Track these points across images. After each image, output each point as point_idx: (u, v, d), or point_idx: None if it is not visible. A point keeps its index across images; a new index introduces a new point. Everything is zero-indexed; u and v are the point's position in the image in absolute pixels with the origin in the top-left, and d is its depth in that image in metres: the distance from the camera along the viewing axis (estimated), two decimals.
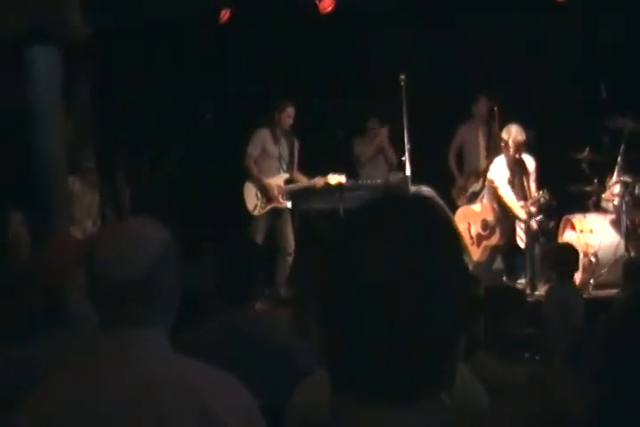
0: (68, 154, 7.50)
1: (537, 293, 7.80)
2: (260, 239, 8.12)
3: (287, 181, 8.54)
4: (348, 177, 8.56)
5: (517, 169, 8.02)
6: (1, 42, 6.64)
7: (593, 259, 7.80)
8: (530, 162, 8.07)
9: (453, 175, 9.05)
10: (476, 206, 8.45)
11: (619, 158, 7.89)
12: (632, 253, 7.79)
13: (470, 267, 7.73)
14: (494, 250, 8.24)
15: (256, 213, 8.45)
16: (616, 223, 7.87)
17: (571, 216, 8.08)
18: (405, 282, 1.40)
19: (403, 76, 8.18)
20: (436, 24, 9.03)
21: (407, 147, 8.08)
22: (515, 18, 9.05)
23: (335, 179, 8.37)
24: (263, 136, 8.46)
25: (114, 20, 7.72)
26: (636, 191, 7.80)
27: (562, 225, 8.18)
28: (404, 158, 8.11)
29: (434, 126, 8.55)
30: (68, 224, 7.35)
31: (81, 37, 7.22)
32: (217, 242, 7.84)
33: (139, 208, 8.52)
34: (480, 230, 8.18)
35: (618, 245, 7.80)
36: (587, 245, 7.87)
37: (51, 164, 7.18)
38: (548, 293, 6.57)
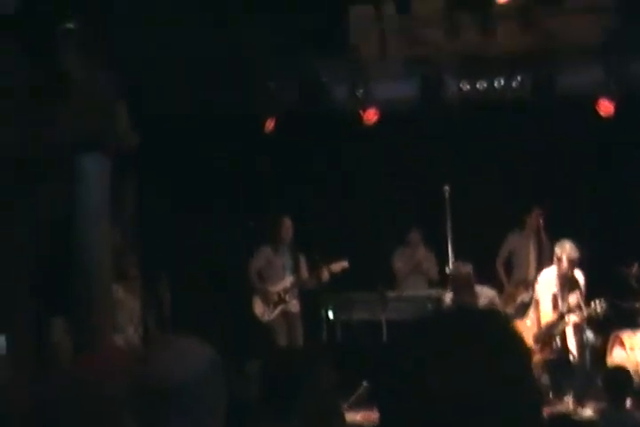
0: (113, 261, 7.53)
1: (585, 412, 7.52)
2: (282, 341, 8.14)
3: (294, 283, 8.57)
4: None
5: (569, 284, 7.85)
6: (54, 153, 6.74)
7: None
8: (580, 277, 7.90)
9: (502, 283, 8.87)
10: (528, 320, 8.21)
11: None
12: None
13: None
14: (545, 364, 7.96)
15: (266, 317, 8.49)
16: None
17: (620, 333, 7.85)
18: (474, 402, 1.30)
19: (447, 187, 8.15)
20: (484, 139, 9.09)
21: (451, 260, 7.97)
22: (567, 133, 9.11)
23: (337, 266, 8.37)
24: (265, 252, 8.64)
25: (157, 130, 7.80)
26: None
27: (610, 342, 7.94)
28: (449, 272, 8.00)
29: (478, 238, 8.45)
30: (111, 331, 7.33)
31: (130, 146, 7.35)
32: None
33: (180, 317, 8.46)
34: (532, 344, 7.94)
35: None
36: (637, 363, 7.61)
37: (96, 271, 7.21)
38: (600, 417, 6.24)
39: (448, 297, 7.94)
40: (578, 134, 9.16)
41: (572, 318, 7.77)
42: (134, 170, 8.23)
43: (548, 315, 7.86)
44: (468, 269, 7.68)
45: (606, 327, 8.11)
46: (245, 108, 8.26)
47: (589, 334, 7.72)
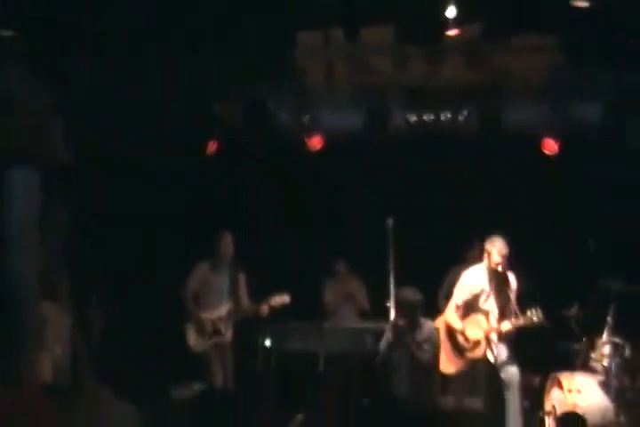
0: (42, 279, 7.31)
1: None
2: (215, 379, 7.83)
3: (230, 312, 8.22)
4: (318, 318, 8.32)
5: (499, 282, 7.72)
6: None
7: None
8: (512, 280, 7.76)
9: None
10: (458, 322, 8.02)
11: (608, 318, 7.67)
12: (621, 419, 7.44)
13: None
14: (476, 363, 7.79)
15: (198, 349, 8.15)
16: (605, 385, 7.55)
17: (558, 374, 7.75)
18: None
19: (390, 220, 8.01)
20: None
21: (392, 292, 7.83)
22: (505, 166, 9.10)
23: (278, 301, 8.08)
24: (201, 270, 8.26)
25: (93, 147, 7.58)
26: (627, 353, 7.55)
27: (549, 383, 7.84)
28: (388, 304, 7.85)
29: (420, 270, 8.30)
30: (38, 351, 7.07)
31: (61, 162, 7.10)
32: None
33: (110, 336, 8.19)
34: (463, 342, 7.78)
35: (606, 409, 7.46)
36: (574, 405, 7.52)
37: (22, 289, 7.02)
38: None
39: (387, 327, 7.79)
40: (522, 170, 9.16)
41: (505, 326, 7.60)
42: (66, 186, 7.95)
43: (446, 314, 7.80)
44: (418, 297, 7.54)
45: (543, 368, 8.06)
46: (188, 129, 8.07)
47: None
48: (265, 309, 8.06)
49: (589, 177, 9.04)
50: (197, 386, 7.57)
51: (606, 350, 7.63)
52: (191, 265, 8.24)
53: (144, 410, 6.93)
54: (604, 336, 7.68)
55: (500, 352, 7.70)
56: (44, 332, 7.26)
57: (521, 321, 7.53)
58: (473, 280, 7.79)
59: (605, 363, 7.61)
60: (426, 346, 7.52)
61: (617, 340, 7.62)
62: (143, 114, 7.58)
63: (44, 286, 7.35)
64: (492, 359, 7.66)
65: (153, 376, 7.92)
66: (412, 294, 7.54)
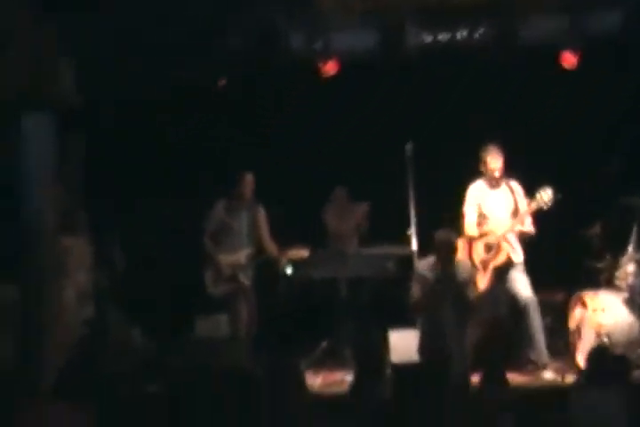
0: (62, 214, 7.47)
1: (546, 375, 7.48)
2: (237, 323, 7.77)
3: (250, 256, 8.03)
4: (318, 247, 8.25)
5: (502, 189, 7.78)
6: None
7: (606, 339, 7.46)
8: (514, 184, 7.81)
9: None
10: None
11: (631, 236, 7.63)
12: None
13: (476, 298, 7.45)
14: (502, 270, 7.80)
15: (216, 292, 7.98)
16: (630, 303, 7.57)
17: (582, 293, 7.77)
18: None
19: (409, 144, 7.94)
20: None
21: (413, 219, 7.81)
22: (523, 83, 8.92)
23: (295, 254, 7.98)
24: (220, 209, 8.03)
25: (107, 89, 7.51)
26: None
27: (572, 302, 7.86)
28: (409, 232, 7.84)
29: (441, 194, 8.25)
30: (62, 282, 7.26)
31: (74, 104, 7.11)
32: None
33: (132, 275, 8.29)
34: (484, 254, 7.81)
35: (632, 326, 7.50)
36: (599, 324, 7.55)
37: (42, 224, 7.23)
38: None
39: (415, 257, 7.81)
40: (542, 86, 9.01)
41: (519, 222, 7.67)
42: (81, 126, 7.93)
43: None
44: (455, 238, 7.45)
45: (568, 287, 8.08)
46: (198, 66, 7.93)
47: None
48: (283, 261, 7.98)
49: (610, 91, 8.87)
50: (221, 318, 7.63)
51: (630, 267, 7.60)
52: (209, 204, 8.13)
53: (168, 347, 7.10)
54: (628, 254, 7.66)
55: (514, 277, 7.72)
56: (66, 261, 7.43)
57: (533, 205, 7.57)
58: (477, 191, 7.84)
59: (630, 281, 7.60)
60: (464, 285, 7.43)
61: None
62: (152, 51, 7.46)
63: (65, 220, 7.49)
64: (514, 259, 7.69)
65: (177, 313, 8.03)
66: (448, 235, 7.42)
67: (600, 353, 5.68)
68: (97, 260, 7.89)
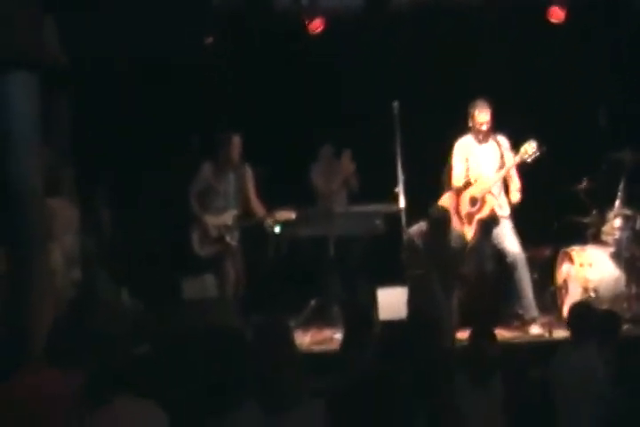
0: (48, 176, 7.36)
1: (533, 330, 7.53)
2: (224, 284, 7.77)
3: (237, 218, 7.98)
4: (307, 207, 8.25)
5: (489, 143, 7.75)
6: None
7: (593, 294, 7.53)
8: (501, 138, 7.78)
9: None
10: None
11: (619, 191, 7.65)
12: (633, 289, 7.54)
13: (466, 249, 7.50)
14: (487, 223, 7.81)
15: (203, 253, 7.96)
16: (616, 257, 7.62)
17: (569, 249, 7.81)
18: None
19: (396, 103, 7.90)
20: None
21: (401, 177, 7.80)
22: (511, 38, 8.88)
23: (284, 215, 7.90)
24: (206, 171, 7.95)
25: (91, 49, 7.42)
26: (638, 225, 7.58)
27: (559, 258, 7.91)
28: (397, 190, 7.83)
29: (425, 154, 8.22)
30: (49, 245, 7.17)
31: (59, 64, 7.00)
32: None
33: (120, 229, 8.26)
34: (469, 207, 7.81)
35: (618, 280, 7.56)
36: (586, 279, 7.61)
37: (26, 186, 7.11)
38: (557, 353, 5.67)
39: (403, 214, 7.82)
40: (529, 41, 8.96)
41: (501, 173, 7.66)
42: (66, 86, 7.84)
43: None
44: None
45: (554, 242, 8.12)
46: (185, 24, 7.84)
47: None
48: (270, 222, 7.94)
49: (597, 46, 8.83)
50: (209, 279, 7.63)
51: (617, 222, 7.65)
52: (196, 165, 8.07)
53: (157, 308, 7.11)
54: (615, 209, 7.69)
55: (501, 232, 7.73)
56: (52, 224, 7.37)
57: (517, 158, 7.56)
58: (465, 145, 7.80)
59: (617, 235, 7.64)
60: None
61: (628, 212, 7.63)
62: (138, 10, 7.37)
63: (50, 182, 7.41)
64: (499, 213, 7.69)
65: (164, 275, 8.01)
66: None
67: (587, 308, 5.73)
68: (84, 222, 7.84)
